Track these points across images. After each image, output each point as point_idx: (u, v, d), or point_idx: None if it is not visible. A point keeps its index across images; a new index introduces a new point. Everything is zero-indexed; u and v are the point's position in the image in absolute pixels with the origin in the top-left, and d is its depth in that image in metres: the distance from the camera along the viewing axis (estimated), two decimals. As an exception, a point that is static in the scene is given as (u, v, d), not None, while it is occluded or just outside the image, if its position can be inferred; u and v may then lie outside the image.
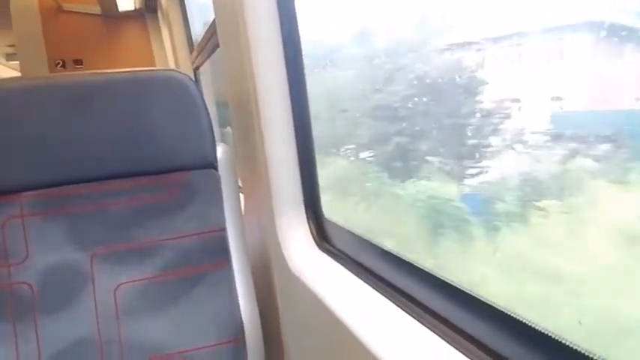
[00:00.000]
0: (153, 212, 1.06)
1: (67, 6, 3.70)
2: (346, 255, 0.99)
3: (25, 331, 0.98)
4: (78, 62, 3.72)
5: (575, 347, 0.49)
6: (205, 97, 1.13)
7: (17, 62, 4.29)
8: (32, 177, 1.02)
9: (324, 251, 1.06)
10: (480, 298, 0.62)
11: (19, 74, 4.96)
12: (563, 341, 0.50)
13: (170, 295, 1.06)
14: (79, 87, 1.04)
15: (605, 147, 0.54)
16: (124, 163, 1.06)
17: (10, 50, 6.21)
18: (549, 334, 0.52)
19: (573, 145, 0.57)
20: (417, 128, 0.89)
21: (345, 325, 0.76)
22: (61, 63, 3.70)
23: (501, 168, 0.70)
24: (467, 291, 0.64)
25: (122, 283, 1.04)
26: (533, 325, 0.54)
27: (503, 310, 0.58)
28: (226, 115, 2.33)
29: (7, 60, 6.74)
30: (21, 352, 0.97)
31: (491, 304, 0.60)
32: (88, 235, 1.03)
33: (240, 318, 1.09)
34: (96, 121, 1.04)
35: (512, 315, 0.57)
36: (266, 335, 1.14)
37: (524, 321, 0.55)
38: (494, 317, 0.59)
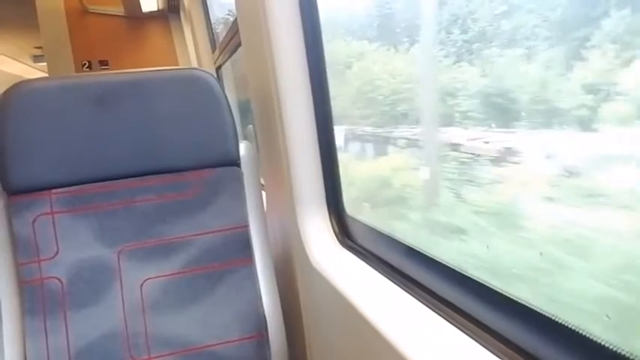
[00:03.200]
0: (178, 209, 1.08)
1: (92, 7, 3.77)
2: (368, 251, 1.00)
3: (55, 325, 1.01)
4: (104, 63, 3.79)
5: (609, 346, 0.47)
6: (227, 95, 1.14)
7: (44, 64, 4.39)
8: (61, 175, 1.04)
9: (345, 247, 1.06)
10: (506, 294, 0.61)
11: (46, 76, 5.07)
12: (595, 339, 0.49)
13: (194, 290, 1.07)
14: (106, 86, 1.07)
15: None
16: (149, 161, 1.08)
17: (37, 52, 6.37)
18: (574, 328, 0.51)
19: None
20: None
21: (367, 320, 0.77)
22: (87, 64, 3.77)
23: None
24: (492, 287, 0.64)
25: (148, 279, 1.06)
26: (554, 318, 0.53)
27: (528, 305, 0.58)
28: (248, 113, 2.35)
29: (35, 62, 6.91)
30: (51, 346, 1.00)
31: (516, 299, 0.60)
32: (115, 232, 1.06)
33: (264, 313, 1.10)
34: (122, 120, 1.07)
35: (537, 310, 0.56)
36: (288, 330, 1.15)
37: (548, 315, 0.55)
38: (520, 313, 0.58)
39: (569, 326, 0.52)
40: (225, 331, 1.07)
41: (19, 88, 1.04)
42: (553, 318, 0.54)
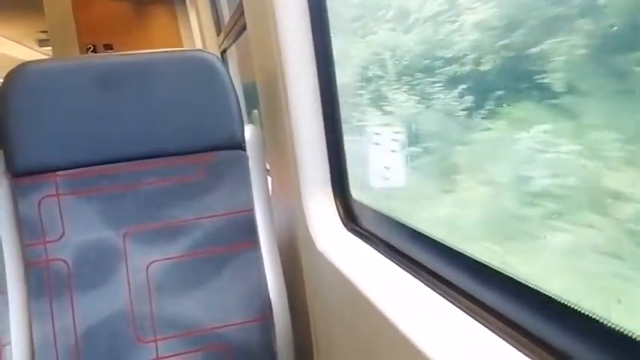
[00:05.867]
0: (183, 192, 1.08)
1: (96, -9, 3.75)
2: (373, 235, 0.99)
3: (60, 307, 1.01)
4: (108, 47, 3.78)
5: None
6: (232, 79, 1.13)
7: (49, 48, 4.38)
8: (65, 157, 1.04)
9: (350, 231, 1.06)
10: (514, 277, 0.61)
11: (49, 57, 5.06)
12: (601, 319, 0.48)
13: (200, 273, 1.08)
14: (111, 68, 1.06)
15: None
16: (154, 144, 1.08)
17: (42, 36, 6.35)
18: (572, 306, 0.50)
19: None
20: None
21: (373, 304, 0.76)
22: (91, 48, 3.76)
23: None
24: (500, 270, 0.63)
25: (154, 261, 1.06)
26: (559, 299, 0.53)
27: (539, 289, 0.57)
28: (253, 98, 2.33)
29: (40, 46, 6.89)
30: (57, 328, 1.00)
31: (526, 283, 0.59)
32: (120, 214, 1.06)
33: (268, 296, 1.10)
34: (126, 102, 1.06)
35: (547, 294, 0.56)
36: (293, 313, 1.15)
37: (557, 298, 0.54)
38: (529, 297, 0.58)
39: (571, 305, 0.51)
40: (230, 313, 1.07)
41: (23, 69, 1.03)
42: (558, 299, 0.54)
